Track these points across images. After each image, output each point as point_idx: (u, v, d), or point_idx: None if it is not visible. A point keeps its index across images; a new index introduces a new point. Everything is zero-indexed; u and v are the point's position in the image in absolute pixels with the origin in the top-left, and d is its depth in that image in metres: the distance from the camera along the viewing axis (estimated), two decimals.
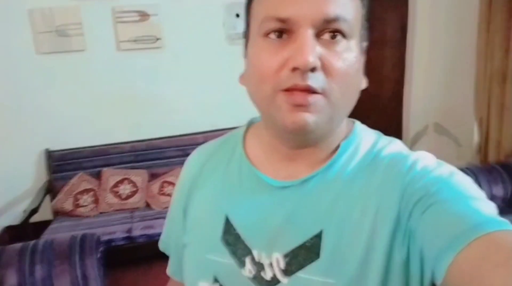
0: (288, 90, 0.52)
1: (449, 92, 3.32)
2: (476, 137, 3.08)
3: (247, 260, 0.60)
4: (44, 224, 2.65)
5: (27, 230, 2.51)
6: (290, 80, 0.51)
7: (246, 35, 0.60)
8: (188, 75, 2.98)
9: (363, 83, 0.59)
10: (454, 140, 3.35)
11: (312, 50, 0.49)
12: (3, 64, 2.73)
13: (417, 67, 3.37)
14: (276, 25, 0.51)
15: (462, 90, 3.19)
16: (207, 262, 0.63)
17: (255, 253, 0.60)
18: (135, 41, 2.82)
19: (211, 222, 0.64)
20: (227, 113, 2.80)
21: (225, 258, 0.62)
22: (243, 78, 0.61)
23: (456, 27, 3.16)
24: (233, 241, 0.62)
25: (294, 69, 0.50)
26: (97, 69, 2.84)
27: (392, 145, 0.60)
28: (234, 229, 0.62)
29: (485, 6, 2.72)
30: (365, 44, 0.59)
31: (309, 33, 0.50)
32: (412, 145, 3.43)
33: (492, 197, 2.51)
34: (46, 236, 2.44)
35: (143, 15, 2.80)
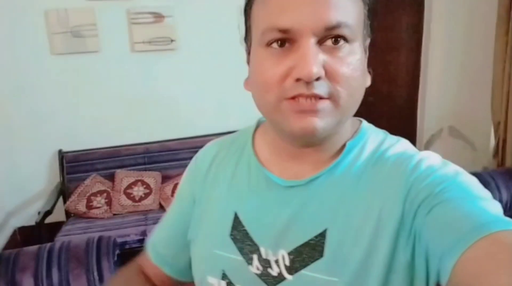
0: (293, 98, 0.51)
1: (464, 96, 3.29)
2: (492, 141, 3.04)
3: (255, 257, 0.60)
4: (57, 226, 2.64)
5: (40, 231, 2.51)
6: (295, 89, 0.51)
7: (248, 40, 0.60)
8: (202, 77, 2.98)
9: (368, 81, 0.59)
10: (469, 144, 3.32)
11: (315, 60, 0.49)
12: (18, 64, 2.73)
13: (432, 70, 3.34)
14: (277, 35, 0.51)
15: (478, 93, 3.15)
16: (216, 257, 0.63)
17: (262, 250, 0.60)
18: (149, 42, 2.81)
19: (220, 218, 0.65)
20: (241, 115, 2.78)
21: (233, 254, 0.62)
22: (247, 84, 0.61)
23: (472, 30, 3.12)
24: (241, 237, 0.62)
25: (298, 79, 0.50)
26: (111, 70, 2.84)
27: (399, 144, 0.60)
28: (242, 226, 0.62)
29: (503, 8, 2.68)
30: (368, 40, 0.58)
31: (311, 42, 0.50)
32: (426, 149, 3.39)
33: None
34: (60, 238, 2.43)
35: (158, 17, 2.79)
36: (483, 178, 2.39)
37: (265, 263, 0.60)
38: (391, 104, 3.40)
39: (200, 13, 2.88)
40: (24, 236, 2.87)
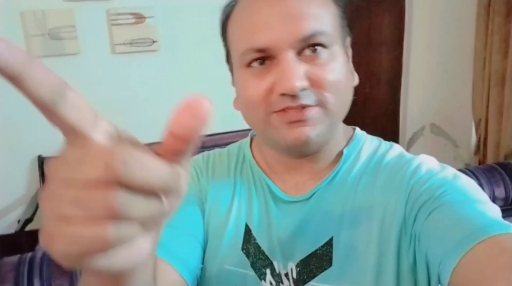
0: (280, 110, 0.52)
1: (446, 94, 3.34)
2: (473, 138, 3.09)
3: (268, 272, 0.60)
4: (37, 233, 2.55)
5: (20, 240, 2.44)
6: (281, 103, 0.51)
7: (229, 62, 0.61)
8: (185, 79, 2.93)
9: (355, 80, 0.59)
10: (451, 141, 3.37)
11: (296, 74, 0.49)
12: None
13: (414, 68, 3.38)
14: (256, 55, 0.52)
15: (459, 91, 3.20)
16: (227, 273, 0.62)
17: (275, 264, 0.60)
18: (130, 44, 2.75)
19: (230, 231, 0.63)
20: (224, 117, 2.75)
21: (246, 269, 0.61)
22: (236, 103, 0.62)
23: (453, 29, 3.17)
24: (253, 251, 0.61)
25: (283, 94, 0.50)
26: (92, 72, 2.77)
27: (393, 149, 0.61)
28: (254, 238, 0.62)
29: (483, 8, 2.73)
30: (349, 39, 0.59)
31: (290, 55, 0.50)
32: (409, 146, 3.44)
33: (494, 199, 2.52)
34: (41, 247, 2.36)
35: (139, 18, 2.73)
36: (466, 175, 2.43)
37: (278, 278, 0.59)
38: (374, 102, 3.42)
39: (181, 14, 2.83)
40: (3, 245, 2.79)
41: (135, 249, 0.26)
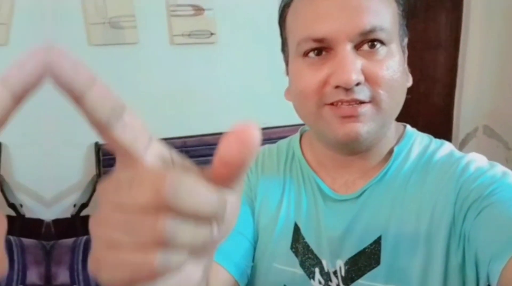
0: (333, 103, 0.51)
1: (500, 96, 3.27)
2: None
3: (317, 271, 0.60)
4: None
5: (75, 224, 2.50)
6: (335, 96, 0.50)
7: (285, 51, 0.60)
8: (242, 72, 2.94)
9: (409, 81, 0.58)
10: (503, 143, 3.31)
11: (353, 67, 0.48)
12: None
13: (469, 70, 3.32)
14: (313, 45, 0.51)
15: None
16: (276, 272, 0.62)
17: (324, 263, 0.59)
18: (189, 35, 2.77)
19: (279, 229, 0.64)
20: (280, 111, 2.75)
21: (295, 268, 0.61)
22: (288, 94, 0.61)
23: (510, 30, 3.09)
24: (302, 250, 0.61)
25: (338, 86, 0.49)
26: (150, 62, 2.80)
27: (444, 147, 0.60)
28: (303, 238, 0.62)
29: None
30: (406, 40, 0.58)
31: (348, 48, 0.49)
32: (461, 147, 3.39)
33: None
34: None
35: (198, 9, 2.75)
36: None
37: (327, 276, 0.59)
38: (428, 102, 3.38)
39: (240, 6, 2.83)
40: (59, 228, 2.87)
41: (185, 278, 0.25)
